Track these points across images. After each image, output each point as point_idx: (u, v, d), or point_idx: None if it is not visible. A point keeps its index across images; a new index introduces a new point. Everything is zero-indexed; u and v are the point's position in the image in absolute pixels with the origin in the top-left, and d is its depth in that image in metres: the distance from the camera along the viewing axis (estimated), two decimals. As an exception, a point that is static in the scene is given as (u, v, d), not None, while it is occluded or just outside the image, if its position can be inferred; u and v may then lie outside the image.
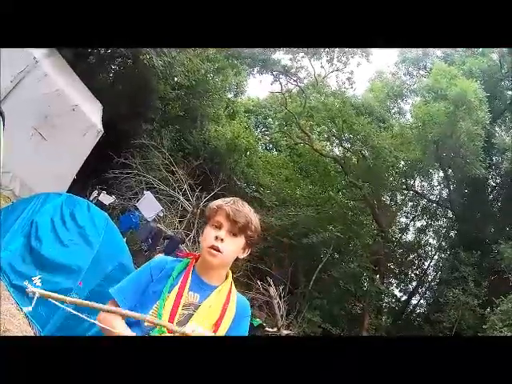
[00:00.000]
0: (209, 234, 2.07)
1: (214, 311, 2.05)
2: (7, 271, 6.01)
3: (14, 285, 5.92)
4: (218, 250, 2.02)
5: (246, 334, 2.19)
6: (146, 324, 1.96)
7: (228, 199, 2.13)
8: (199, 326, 1.92)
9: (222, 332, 2.05)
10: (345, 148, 21.16)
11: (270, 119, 28.09)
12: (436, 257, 21.00)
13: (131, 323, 2.00)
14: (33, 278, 6.13)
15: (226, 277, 2.18)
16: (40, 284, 6.11)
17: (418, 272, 21.19)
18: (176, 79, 18.52)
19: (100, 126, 12.02)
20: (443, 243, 20.64)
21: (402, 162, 19.46)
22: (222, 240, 2.03)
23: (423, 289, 21.11)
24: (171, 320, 1.96)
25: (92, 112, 12.05)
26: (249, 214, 2.11)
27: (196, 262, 2.16)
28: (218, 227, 2.06)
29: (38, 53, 10.17)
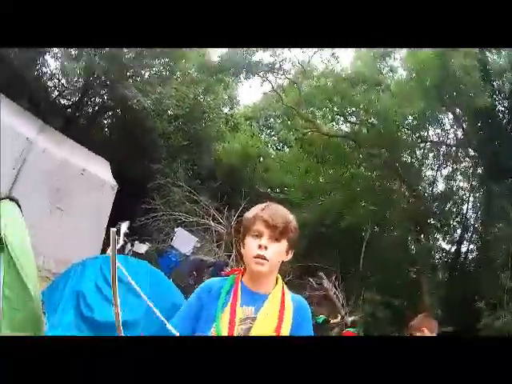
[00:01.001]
0: (251, 245, 2.05)
1: (271, 319, 2.04)
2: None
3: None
4: (265, 258, 2.02)
5: (311, 333, 2.17)
6: None
7: (261, 206, 2.12)
8: None
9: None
10: (351, 122, 21.00)
11: (272, 119, 28.10)
12: (471, 198, 20.60)
13: None
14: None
15: (276, 282, 2.16)
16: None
17: (458, 219, 20.74)
18: (169, 112, 18.70)
19: (113, 181, 12.20)
20: (474, 183, 20.22)
21: (410, 117, 19.16)
22: (265, 248, 2.02)
23: (469, 234, 20.63)
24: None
25: (101, 170, 12.25)
26: (286, 215, 2.10)
27: (242, 276, 2.15)
28: (259, 236, 2.05)
29: (30, 133, 10.38)
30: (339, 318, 15.05)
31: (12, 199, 4.43)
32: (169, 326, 2.17)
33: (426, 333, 5.07)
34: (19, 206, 4.51)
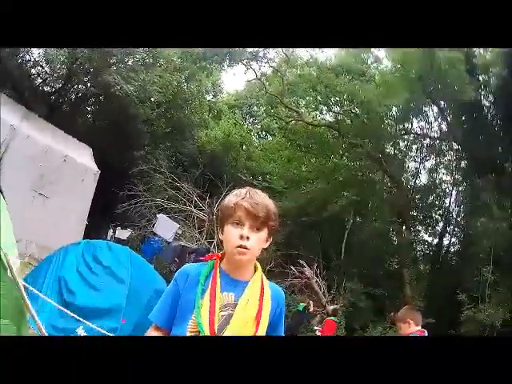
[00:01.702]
0: (232, 234, 2.01)
1: (252, 306, 2.03)
2: (50, 332, 6.05)
3: (60, 342, 5.95)
4: (246, 248, 1.98)
5: (282, 321, 2.18)
6: (187, 335, 1.96)
7: (241, 192, 2.06)
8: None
9: (264, 324, 2.03)
10: (335, 112, 21.04)
11: (255, 107, 28.06)
12: (454, 192, 20.77)
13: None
14: (76, 330, 6.21)
15: (255, 269, 2.14)
16: (84, 333, 6.19)
17: (441, 212, 20.94)
18: (152, 99, 18.60)
19: (95, 168, 12.12)
20: (457, 176, 20.41)
21: (394, 109, 19.27)
22: (247, 238, 1.98)
23: (451, 227, 20.85)
24: (212, 324, 1.94)
25: (83, 157, 12.17)
26: (267, 204, 2.05)
27: (221, 261, 2.12)
28: (240, 224, 2.01)
29: (14, 119, 10.26)
30: (321, 308, 15.20)
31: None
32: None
33: (412, 324, 5.16)
34: (1, 192, 4.44)
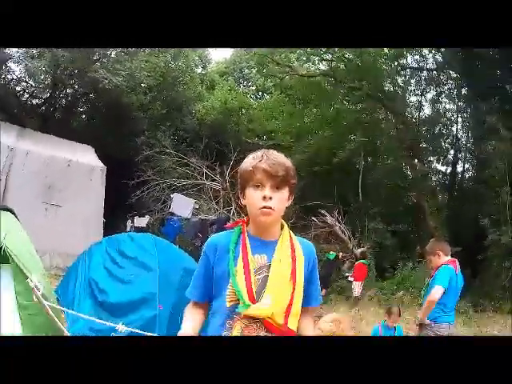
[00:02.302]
0: (255, 196, 2.02)
1: (285, 264, 2.04)
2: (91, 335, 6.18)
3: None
4: (270, 208, 2.00)
5: (317, 273, 2.22)
6: (227, 305, 2.00)
7: (257, 155, 2.08)
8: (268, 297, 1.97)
9: (300, 280, 2.05)
10: (327, 60, 20.66)
11: (246, 70, 27.75)
12: (460, 119, 20.53)
13: (216, 310, 2.07)
14: (116, 328, 6.33)
15: (282, 227, 2.16)
16: (125, 328, 6.32)
17: (450, 140, 20.70)
18: (143, 84, 18.51)
19: (100, 164, 12.18)
20: (460, 103, 20.10)
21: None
22: (270, 198, 2.00)
23: (462, 153, 20.72)
24: (250, 290, 1.96)
25: (86, 157, 12.24)
26: (284, 162, 2.07)
27: (247, 225, 2.14)
28: (261, 186, 2.02)
29: (10, 140, 10.31)
30: (347, 252, 15.36)
31: (6, 209, 4.44)
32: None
33: (441, 256, 5.24)
34: (14, 214, 4.52)
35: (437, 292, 5.04)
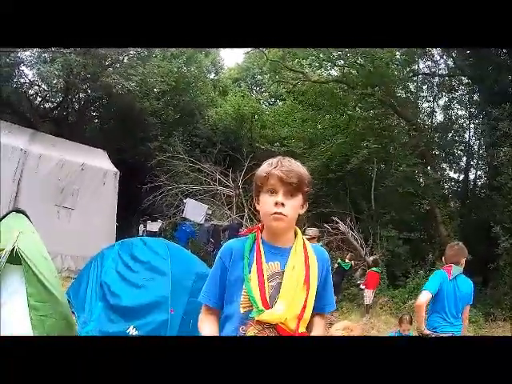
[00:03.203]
0: (268, 202, 2.04)
1: (299, 271, 2.05)
2: (102, 338, 6.21)
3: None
4: (282, 214, 2.01)
5: (331, 279, 2.22)
6: (241, 311, 2.02)
7: (273, 161, 2.09)
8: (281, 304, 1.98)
9: (313, 287, 2.07)
10: (340, 66, 20.65)
11: (259, 76, 27.83)
12: (472, 125, 20.39)
13: (229, 316, 2.08)
14: (127, 331, 6.35)
15: (295, 234, 2.17)
16: (136, 332, 6.34)
17: (462, 147, 20.56)
18: (156, 90, 18.63)
19: (114, 169, 12.25)
20: (472, 110, 20.00)
21: (398, 53, 18.87)
22: (282, 204, 2.01)
23: (475, 160, 20.56)
24: (263, 296, 1.98)
25: (99, 161, 12.31)
26: (299, 170, 2.08)
27: (261, 232, 2.15)
28: (275, 192, 2.03)
29: (23, 143, 10.40)
30: (359, 259, 15.26)
31: (18, 211, 4.47)
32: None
33: (462, 262, 5.14)
34: (27, 216, 4.56)
35: (422, 296, 4.96)
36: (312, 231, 9.25)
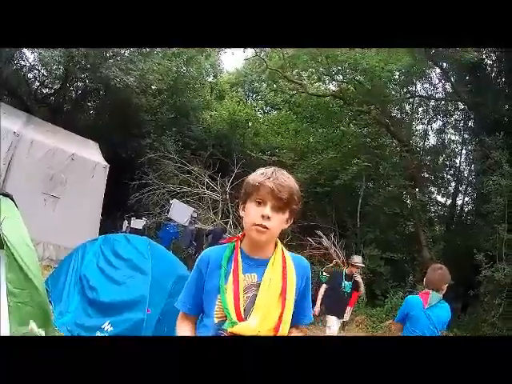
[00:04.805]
0: (254, 212, 1.99)
1: (275, 284, 2.01)
2: (77, 331, 6.16)
3: (89, 340, 6.04)
4: (266, 227, 1.97)
5: (310, 289, 2.18)
6: (215, 321, 1.99)
7: (267, 172, 2.04)
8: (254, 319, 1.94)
9: (290, 301, 2.02)
10: (338, 81, 20.78)
11: (257, 83, 27.86)
12: (464, 151, 20.67)
13: (204, 324, 2.05)
14: (102, 327, 6.30)
15: (276, 245, 2.12)
16: (112, 328, 6.28)
17: (452, 172, 20.86)
18: (153, 87, 18.57)
19: (104, 162, 12.17)
20: (465, 135, 20.26)
21: (397, 73, 18.99)
22: (268, 218, 1.96)
23: (463, 186, 20.82)
24: (237, 308, 1.95)
25: (90, 153, 12.23)
26: (292, 186, 2.03)
27: (241, 242, 2.11)
28: (262, 203, 1.99)
29: (17, 126, 10.32)
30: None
31: (5, 194, 4.42)
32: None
33: (444, 288, 5.10)
34: (13, 201, 4.50)
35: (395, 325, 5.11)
36: (360, 259, 9.45)
